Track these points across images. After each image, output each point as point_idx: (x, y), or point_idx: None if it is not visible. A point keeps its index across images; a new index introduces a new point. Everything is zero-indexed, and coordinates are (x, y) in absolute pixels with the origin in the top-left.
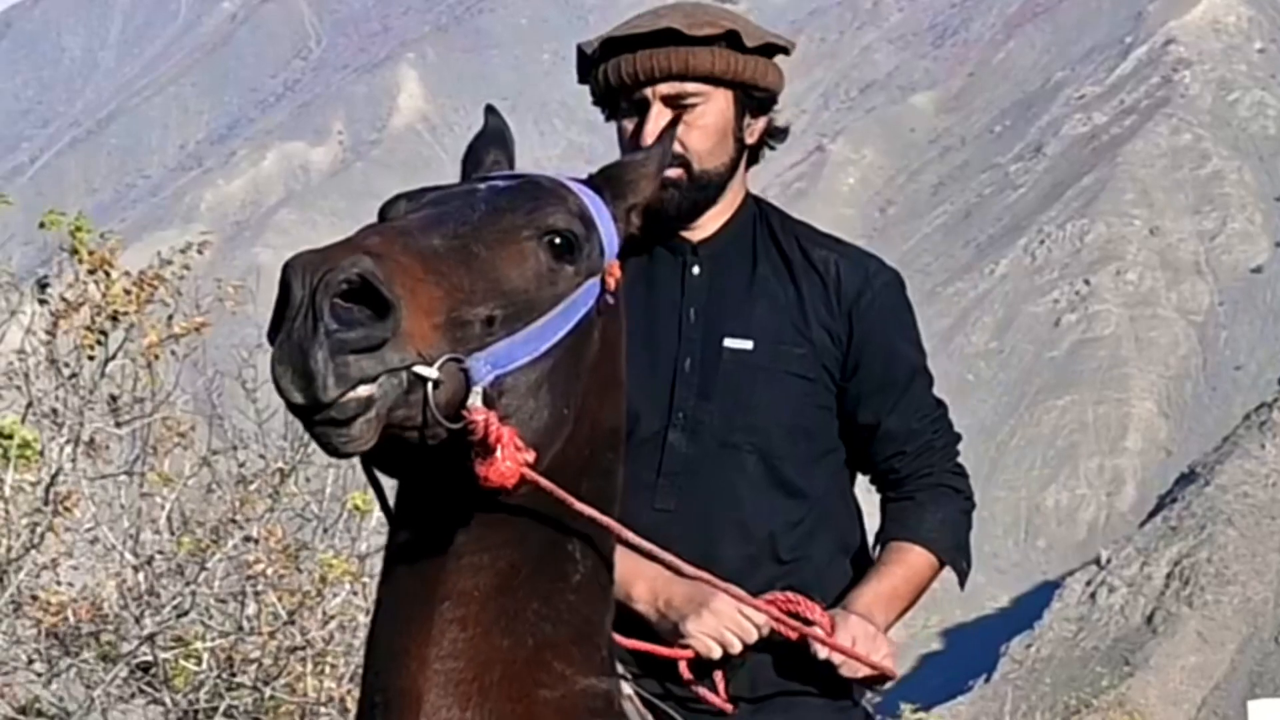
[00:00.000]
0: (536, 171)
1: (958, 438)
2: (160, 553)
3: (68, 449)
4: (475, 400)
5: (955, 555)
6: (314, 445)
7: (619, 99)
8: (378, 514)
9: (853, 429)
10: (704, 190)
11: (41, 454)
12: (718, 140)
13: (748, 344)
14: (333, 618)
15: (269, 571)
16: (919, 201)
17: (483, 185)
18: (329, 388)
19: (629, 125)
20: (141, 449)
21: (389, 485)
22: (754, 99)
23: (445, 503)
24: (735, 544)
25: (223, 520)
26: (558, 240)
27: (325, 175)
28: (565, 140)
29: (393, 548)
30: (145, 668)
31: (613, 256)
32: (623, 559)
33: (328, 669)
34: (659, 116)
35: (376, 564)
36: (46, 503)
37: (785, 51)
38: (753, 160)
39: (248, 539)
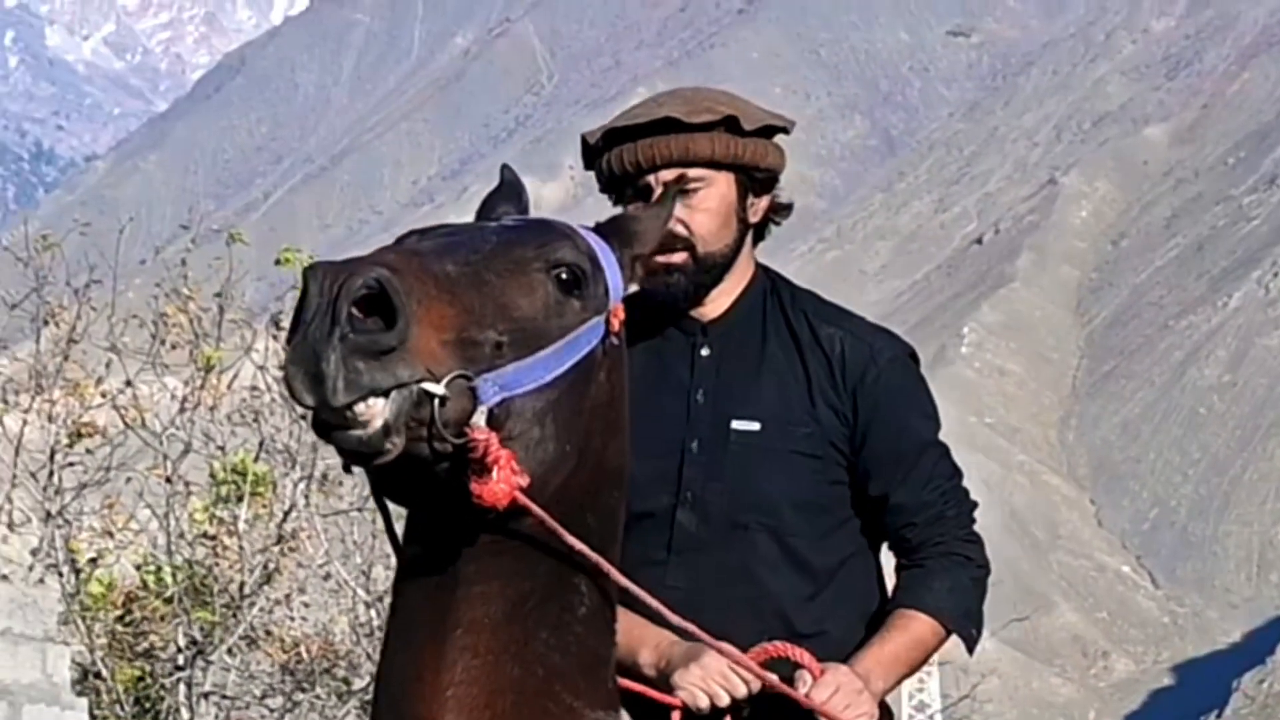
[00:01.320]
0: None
1: (973, 506)
2: None
3: (301, 485)
4: (480, 419)
5: (963, 622)
6: None
7: (624, 186)
8: None
9: (864, 501)
10: (709, 272)
11: (275, 490)
12: (721, 223)
13: (755, 425)
14: None
15: None
16: (1152, 234)
17: (493, 224)
18: (338, 391)
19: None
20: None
21: (396, 514)
22: (755, 179)
23: (454, 531)
24: (750, 621)
25: None
26: (565, 274)
27: (556, 211)
28: (796, 175)
29: (403, 576)
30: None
31: (617, 299)
32: (629, 624)
33: None
34: None
35: None
36: (279, 539)
37: (785, 131)
38: (759, 237)
39: None
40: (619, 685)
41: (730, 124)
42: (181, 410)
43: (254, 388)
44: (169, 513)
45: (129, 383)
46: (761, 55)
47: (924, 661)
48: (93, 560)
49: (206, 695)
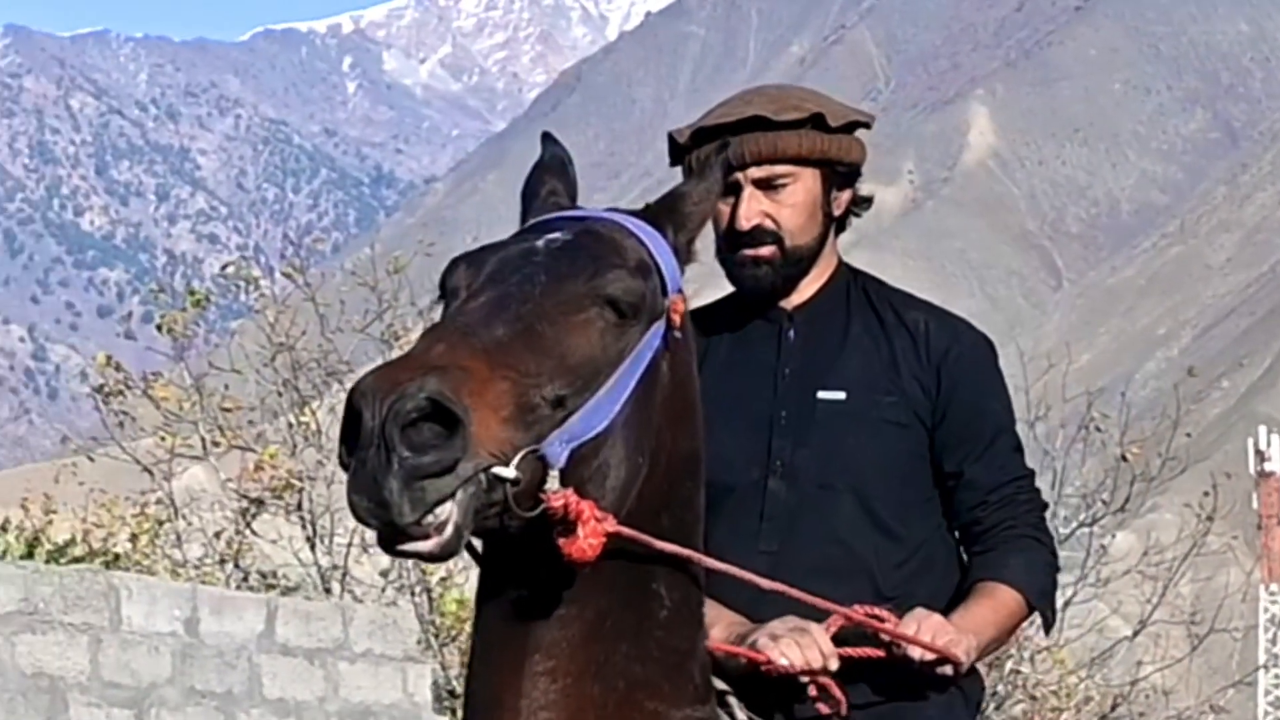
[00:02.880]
0: (593, 212)
1: (1045, 505)
2: None
3: None
4: (553, 483)
5: (1041, 600)
6: None
7: None
8: None
9: (940, 477)
10: (797, 265)
11: None
12: (808, 217)
13: (841, 394)
14: None
15: None
16: None
17: (540, 242)
18: (405, 514)
19: (722, 207)
20: None
21: None
22: (839, 174)
23: (532, 556)
24: (837, 583)
25: None
26: (619, 301)
27: (897, 216)
28: (1138, 170)
29: (483, 598)
30: None
31: (675, 291)
32: (707, 607)
33: None
34: (751, 199)
35: None
36: None
37: (867, 126)
38: (840, 229)
39: None
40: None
41: (816, 121)
42: None
43: None
44: None
45: None
46: (1099, 52)
47: (1011, 633)
48: (443, 580)
49: None
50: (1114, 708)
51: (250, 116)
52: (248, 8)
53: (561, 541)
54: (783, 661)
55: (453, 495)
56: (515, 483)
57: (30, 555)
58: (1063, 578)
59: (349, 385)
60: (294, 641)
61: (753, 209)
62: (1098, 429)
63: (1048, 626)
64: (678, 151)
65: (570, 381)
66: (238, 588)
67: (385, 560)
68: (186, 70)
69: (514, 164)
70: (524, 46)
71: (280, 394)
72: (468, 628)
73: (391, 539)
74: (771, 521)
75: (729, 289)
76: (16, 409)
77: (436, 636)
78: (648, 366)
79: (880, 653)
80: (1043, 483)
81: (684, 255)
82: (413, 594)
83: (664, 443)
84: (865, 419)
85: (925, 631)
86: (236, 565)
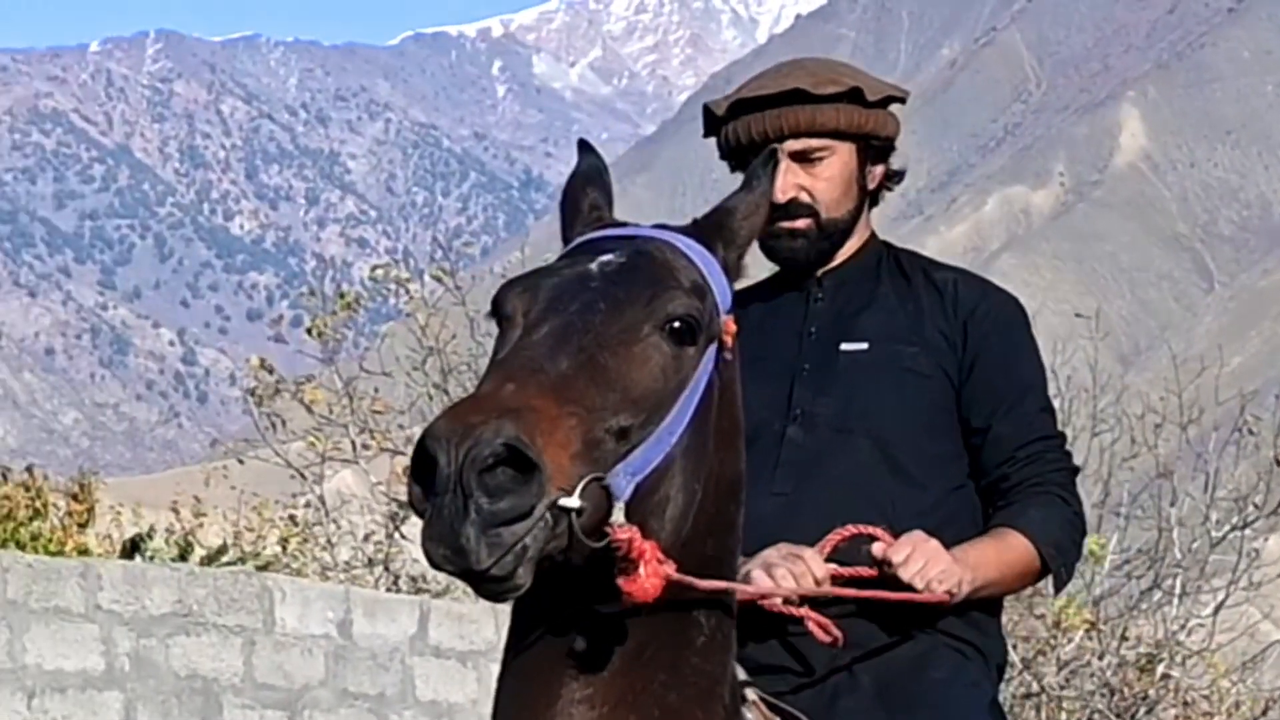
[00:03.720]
0: (643, 230)
1: (1076, 468)
2: None
3: None
4: (619, 516)
5: (1054, 551)
6: None
7: (746, 155)
8: (1110, 557)
9: (968, 435)
10: (831, 238)
11: None
12: (843, 190)
13: (863, 345)
14: (1067, 664)
15: (1004, 619)
16: None
17: (594, 266)
18: (483, 561)
19: None
20: None
21: None
22: (874, 148)
23: (568, 588)
24: (851, 522)
25: None
26: (679, 326)
27: (1047, 218)
28: None
29: (520, 616)
30: None
31: (726, 312)
32: None
33: (1064, 714)
34: (788, 172)
35: (1109, 609)
36: None
37: (902, 101)
38: (873, 203)
39: None
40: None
41: (854, 95)
42: None
43: None
44: None
45: None
46: (1253, 54)
47: (1017, 580)
48: None
49: None
50: (1265, 712)
51: (400, 120)
52: (398, 12)
53: (622, 581)
54: (778, 598)
55: (528, 534)
56: (580, 513)
57: (183, 558)
58: (1215, 581)
59: None
60: (446, 644)
61: (789, 182)
62: (1250, 432)
63: (1059, 584)
64: (714, 122)
65: (634, 414)
66: (388, 590)
67: None
68: (336, 74)
69: (663, 167)
70: (674, 50)
71: (430, 397)
72: None
73: (470, 581)
74: (786, 466)
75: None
76: (166, 412)
77: None
78: (705, 391)
79: (873, 572)
80: (1194, 487)
81: (734, 272)
82: None
83: (713, 466)
84: (887, 368)
85: (918, 556)
86: (386, 569)
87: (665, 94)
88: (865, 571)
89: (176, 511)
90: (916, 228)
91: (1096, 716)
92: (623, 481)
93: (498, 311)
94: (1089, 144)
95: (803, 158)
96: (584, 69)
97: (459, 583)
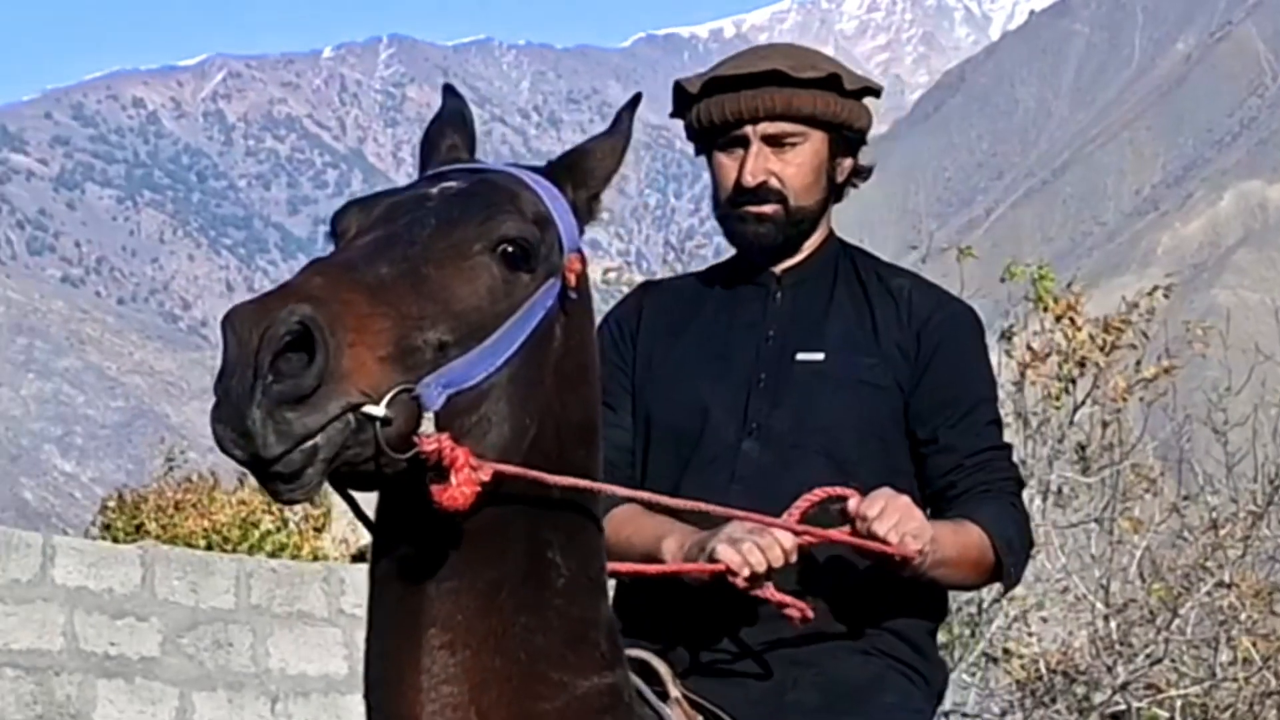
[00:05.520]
0: (493, 164)
1: (1020, 482)
2: (1132, 601)
3: (1037, 500)
4: (427, 427)
5: (1005, 547)
6: None
7: (715, 136)
8: None
9: (914, 446)
10: (798, 226)
11: None
12: (814, 179)
13: (819, 356)
14: None
15: (1243, 616)
16: None
17: (435, 189)
18: (270, 445)
19: (727, 161)
20: (1111, 497)
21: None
22: (846, 140)
23: (421, 523)
24: None
25: (1194, 566)
26: (511, 249)
27: None
28: None
29: (375, 569)
30: (1116, 717)
31: (572, 250)
32: (653, 523)
33: None
34: (758, 155)
35: None
36: None
37: (876, 95)
38: (838, 198)
39: (1221, 584)
40: (655, 570)
41: (832, 83)
42: None
43: None
44: None
45: None
46: None
47: (970, 568)
48: None
49: (947, 714)
50: None
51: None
52: (630, 13)
53: (435, 489)
54: (744, 573)
55: (321, 430)
56: (386, 422)
57: None
58: None
59: None
60: None
61: (759, 165)
62: None
63: (1009, 584)
64: (686, 101)
65: (454, 328)
66: None
67: None
68: (568, 77)
69: (896, 166)
70: (906, 48)
71: None
72: None
73: (258, 473)
74: (741, 482)
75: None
76: None
77: None
78: (539, 324)
79: (846, 534)
80: None
81: (585, 213)
82: None
83: (553, 407)
84: (842, 380)
85: (892, 511)
86: None
87: (897, 92)
88: (837, 535)
89: None
90: (1152, 223)
91: None
92: (434, 392)
93: (333, 230)
94: None
95: (775, 142)
96: None
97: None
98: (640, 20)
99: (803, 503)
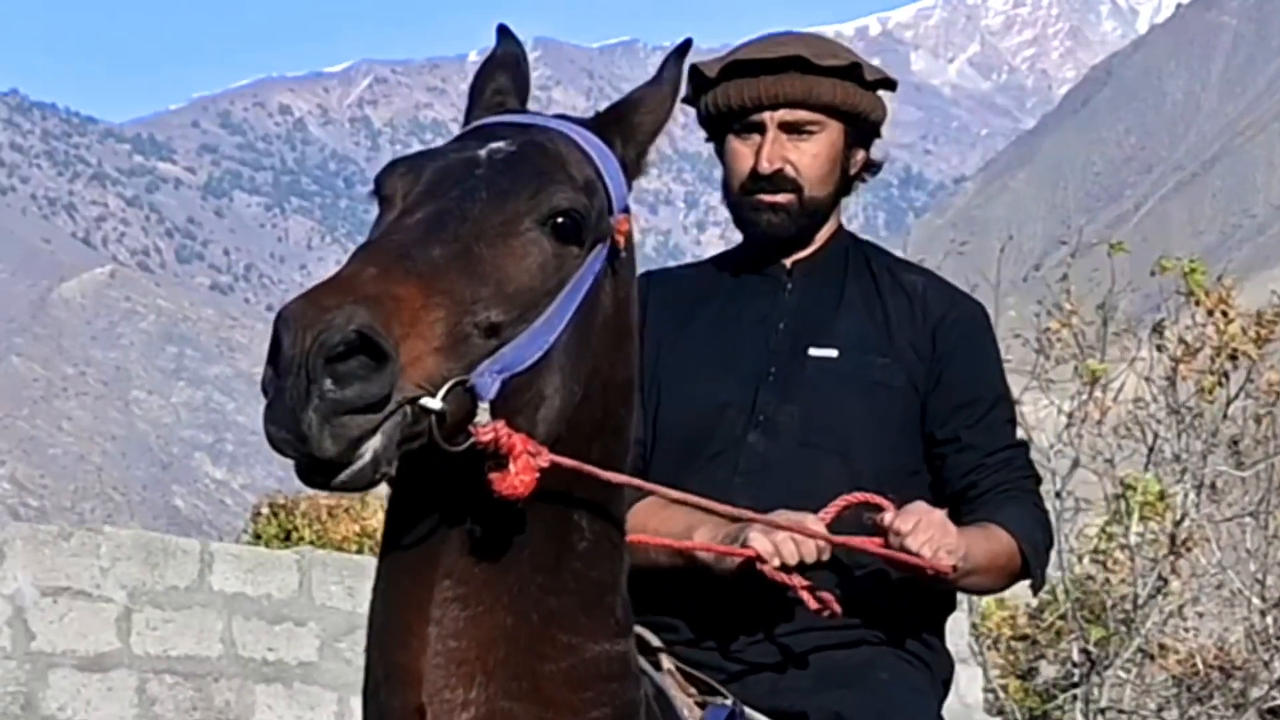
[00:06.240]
0: (539, 119)
1: (1039, 479)
2: None
3: (1191, 494)
4: (483, 416)
5: (1031, 548)
6: None
7: (730, 121)
8: None
9: (932, 446)
10: (811, 217)
11: (1164, 500)
12: (829, 169)
13: (832, 352)
14: None
15: None
16: None
17: (483, 152)
18: (325, 449)
19: (742, 147)
20: (1266, 490)
21: None
22: (862, 131)
23: (444, 483)
24: None
25: None
26: (562, 220)
27: None
28: None
29: (393, 520)
30: (1274, 712)
31: (621, 211)
32: (686, 515)
33: None
34: (774, 141)
35: None
36: (1172, 550)
37: (891, 88)
38: (847, 191)
39: None
40: (684, 546)
41: (852, 72)
42: (1069, 425)
43: (1138, 399)
44: (1057, 530)
45: (1015, 401)
46: None
47: (1000, 573)
48: None
49: (1103, 711)
50: None
51: None
52: (775, 13)
53: (493, 476)
54: (774, 562)
55: (377, 429)
56: (441, 415)
57: None
58: None
59: None
60: None
61: (775, 152)
62: None
63: (1036, 586)
64: (703, 86)
65: (507, 310)
66: None
67: None
68: None
69: (1044, 161)
70: (1053, 43)
71: None
72: (1006, 630)
73: (309, 470)
74: (746, 476)
75: None
76: None
77: (977, 639)
78: (588, 292)
79: (878, 542)
80: None
81: (632, 169)
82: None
83: (601, 369)
84: (856, 379)
85: (926, 526)
86: None
87: (1045, 88)
88: (867, 541)
89: None
90: None
91: None
92: (488, 380)
93: (379, 192)
94: None
95: (792, 129)
96: (962, 65)
97: None
98: (785, 19)
99: (838, 504)
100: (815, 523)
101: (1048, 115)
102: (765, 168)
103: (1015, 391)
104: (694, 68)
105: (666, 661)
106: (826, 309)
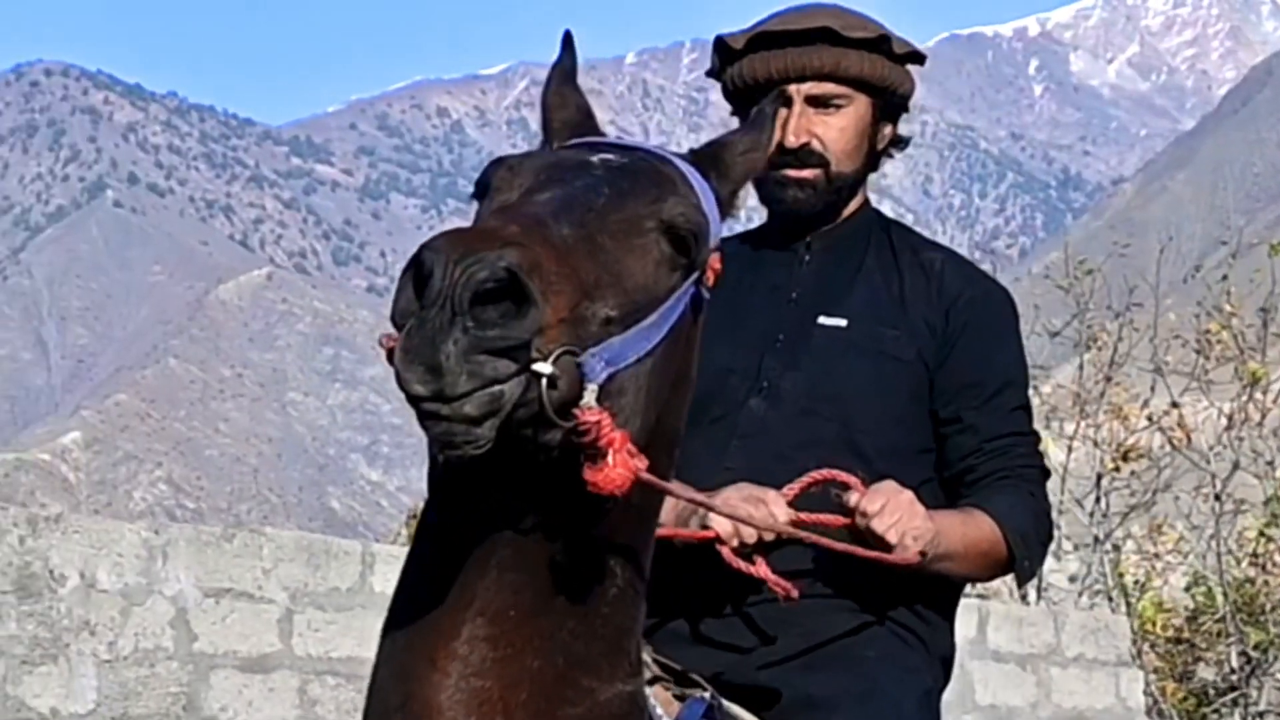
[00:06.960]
0: (642, 144)
1: (1046, 470)
2: None
3: None
4: (590, 399)
5: (1019, 540)
6: None
7: (758, 94)
8: None
9: (936, 426)
10: (838, 192)
11: None
12: (856, 144)
13: (842, 322)
14: None
15: None
16: None
17: (594, 158)
18: (459, 385)
19: None
20: None
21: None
22: (890, 106)
23: (492, 513)
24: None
25: None
26: (681, 234)
27: None
28: None
29: (430, 540)
30: None
31: (714, 247)
32: None
33: None
34: (801, 115)
35: None
36: None
37: (920, 62)
38: (874, 167)
39: None
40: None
41: (881, 45)
42: (1228, 427)
43: None
44: (1216, 533)
45: (1174, 403)
46: None
47: (979, 560)
48: (1137, 583)
49: (1261, 714)
50: None
51: (936, 123)
52: (935, 13)
53: (589, 470)
54: (733, 542)
55: (510, 378)
56: (553, 384)
57: None
58: None
59: None
60: (1005, 647)
61: (802, 126)
62: None
63: (1022, 577)
64: (729, 58)
65: (621, 305)
66: None
67: (1074, 565)
68: None
69: (1203, 163)
70: (1213, 43)
71: None
72: (1165, 633)
73: (429, 411)
74: (743, 440)
75: None
76: None
77: (1133, 642)
78: (679, 318)
79: (843, 519)
80: None
81: (725, 208)
82: (1109, 599)
83: (663, 409)
84: (864, 349)
85: (893, 508)
86: None
87: (1204, 88)
88: (832, 519)
89: None
90: None
91: None
92: (598, 365)
93: (484, 182)
94: None
95: (820, 103)
96: (1122, 65)
97: (1015, 586)
98: (945, 19)
99: (804, 481)
100: (777, 499)
101: (1207, 116)
102: (792, 141)
103: (1175, 392)
104: (719, 40)
105: (645, 655)
106: (842, 280)
